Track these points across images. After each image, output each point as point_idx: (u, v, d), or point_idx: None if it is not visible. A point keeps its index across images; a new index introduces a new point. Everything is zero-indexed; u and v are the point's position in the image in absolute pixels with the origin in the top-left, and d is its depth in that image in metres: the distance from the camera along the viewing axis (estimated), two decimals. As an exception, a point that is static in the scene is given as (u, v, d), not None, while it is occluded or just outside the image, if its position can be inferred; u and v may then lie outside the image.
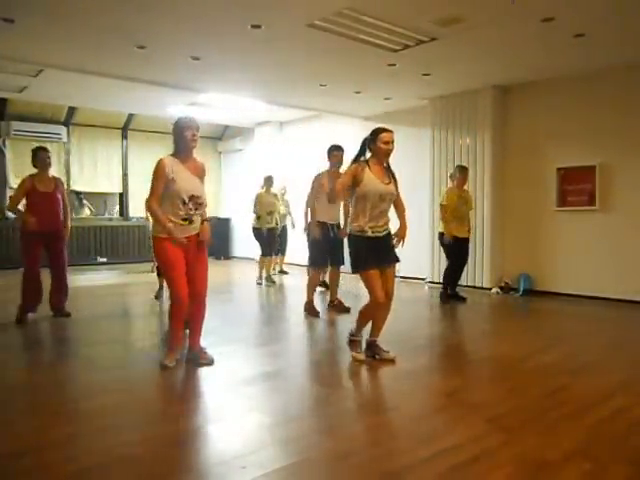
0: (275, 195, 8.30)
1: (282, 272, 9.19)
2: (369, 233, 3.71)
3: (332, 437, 2.63)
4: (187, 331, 3.88)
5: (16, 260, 8.52)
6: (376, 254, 3.71)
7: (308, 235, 5.65)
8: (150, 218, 4.22)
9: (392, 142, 3.77)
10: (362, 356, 3.87)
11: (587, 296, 6.58)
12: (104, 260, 10.93)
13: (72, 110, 10.47)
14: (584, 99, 6.64)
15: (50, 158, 5.39)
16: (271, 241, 8.21)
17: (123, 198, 11.52)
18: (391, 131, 3.80)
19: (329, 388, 3.41)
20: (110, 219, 11.42)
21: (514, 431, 2.64)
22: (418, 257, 7.88)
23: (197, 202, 3.58)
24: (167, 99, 8.47)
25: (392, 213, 3.91)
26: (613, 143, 6.41)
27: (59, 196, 5.34)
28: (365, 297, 3.83)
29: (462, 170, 6.66)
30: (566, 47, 5.63)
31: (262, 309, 6.68)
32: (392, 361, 3.85)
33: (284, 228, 8.79)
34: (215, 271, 9.94)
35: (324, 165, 5.68)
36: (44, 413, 2.94)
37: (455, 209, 6.43)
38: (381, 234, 3.77)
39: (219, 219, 12.12)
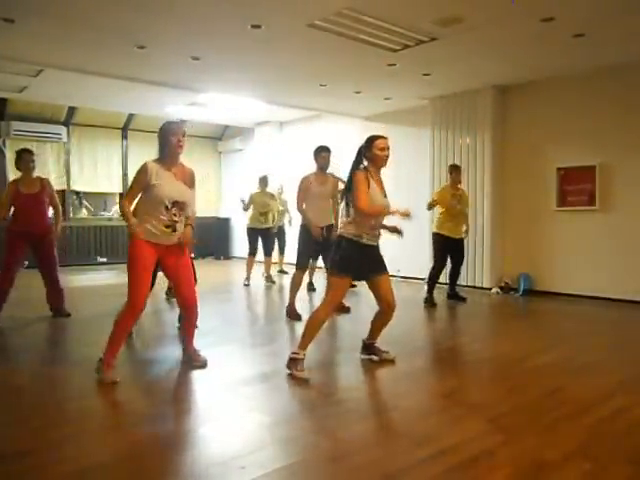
0: (272, 195, 8.32)
1: (282, 272, 9.19)
2: (364, 240, 3.57)
3: (331, 437, 2.63)
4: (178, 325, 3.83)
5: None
6: (366, 262, 3.59)
7: (299, 236, 5.60)
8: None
9: (388, 148, 3.64)
10: (305, 374, 3.50)
11: (587, 296, 6.58)
12: (104, 260, 10.93)
13: (72, 110, 10.46)
14: (584, 99, 6.65)
15: (34, 161, 5.30)
16: (266, 241, 8.23)
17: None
18: (386, 137, 3.67)
19: (328, 388, 3.41)
20: (110, 219, 11.42)
21: (514, 431, 2.63)
22: (418, 257, 7.87)
23: (181, 208, 3.47)
24: (167, 99, 8.47)
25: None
26: (613, 143, 6.41)
27: (45, 198, 5.24)
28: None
29: (455, 169, 6.55)
30: (566, 47, 5.63)
31: (261, 309, 6.67)
32: (392, 361, 3.85)
33: (281, 228, 8.78)
34: (214, 271, 10.05)
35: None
36: (42, 414, 2.93)
37: (449, 207, 6.35)
38: (375, 243, 3.67)
39: (219, 219, 12.15)
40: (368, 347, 3.95)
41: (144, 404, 3.11)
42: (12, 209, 5.17)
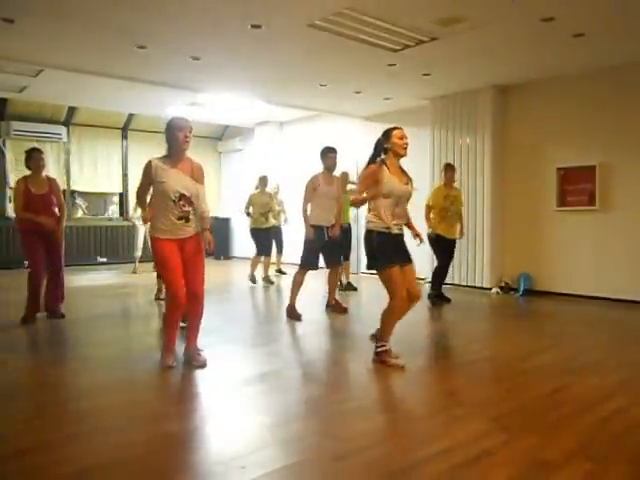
0: (270, 195, 8.34)
1: (280, 272, 9.18)
2: (394, 230, 3.71)
3: (332, 437, 2.63)
4: (183, 324, 3.89)
5: (17, 260, 8.61)
6: (399, 252, 3.74)
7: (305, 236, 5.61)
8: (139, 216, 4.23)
9: (406, 137, 3.80)
10: (402, 361, 3.69)
11: (587, 296, 6.58)
12: (104, 260, 10.94)
13: (72, 110, 10.47)
14: (584, 99, 6.65)
15: (44, 160, 5.36)
16: (267, 241, 8.23)
17: (123, 198, 11.53)
18: (402, 128, 3.84)
19: (329, 388, 3.41)
20: (110, 219, 11.43)
21: (514, 431, 2.63)
22: (418, 257, 7.83)
23: (188, 201, 3.58)
24: (167, 99, 8.47)
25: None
26: (613, 143, 6.42)
27: (53, 197, 5.28)
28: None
29: (449, 168, 6.50)
30: (566, 47, 5.63)
31: (262, 309, 6.67)
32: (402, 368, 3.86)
33: (278, 228, 8.78)
34: (215, 271, 10.04)
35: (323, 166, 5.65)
36: (44, 414, 2.93)
37: (442, 209, 6.28)
38: (401, 232, 3.81)
39: (219, 219, 12.12)
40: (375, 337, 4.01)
41: (144, 404, 3.10)
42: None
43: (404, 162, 3.88)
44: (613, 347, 4.44)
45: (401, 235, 3.80)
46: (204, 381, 3.53)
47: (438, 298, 6.45)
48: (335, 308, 5.79)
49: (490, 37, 5.32)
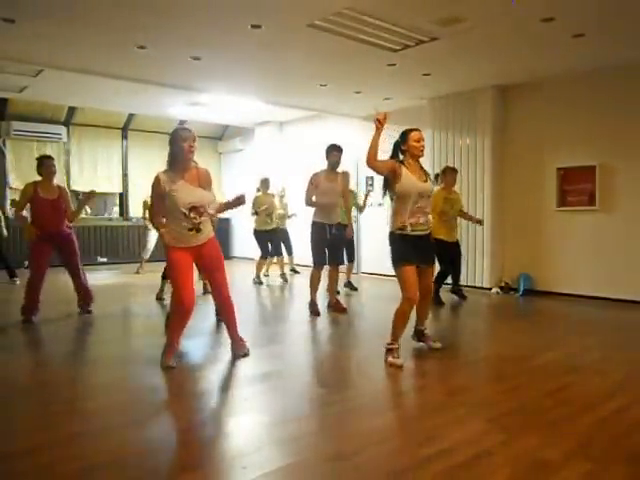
0: (273, 196, 8.37)
1: (293, 271, 9.22)
2: (409, 231, 3.74)
3: (332, 437, 2.63)
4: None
5: (19, 260, 8.62)
6: (415, 252, 3.76)
7: (310, 235, 5.67)
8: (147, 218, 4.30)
9: (423, 140, 3.86)
10: (400, 361, 3.73)
11: (587, 296, 6.58)
12: (104, 260, 10.94)
13: (72, 110, 10.47)
14: (584, 99, 6.64)
15: (55, 167, 5.55)
16: (268, 243, 8.23)
17: (123, 198, 11.53)
18: (419, 130, 3.88)
19: (329, 388, 3.41)
20: (110, 219, 11.43)
21: (514, 431, 2.64)
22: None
23: (199, 212, 3.62)
24: (167, 99, 8.47)
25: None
26: (613, 143, 6.41)
27: (62, 205, 5.43)
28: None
29: (451, 172, 6.42)
30: (566, 47, 5.63)
31: (263, 309, 6.67)
32: (438, 350, 4.10)
33: (284, 230, 8.79)
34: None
35: (324, 165, 5.67)
36: (49, 412, 2.94)
37: (442, 213, 6.17)
38: (422, 232, 3.82)
39: (219, 219, 12.05)
40: (418, 333, 4.15)
41: (145, 404, 3.11)
42: (31, 213, 5.39)
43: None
44: (613, 347, 4.44)
45: (419, 236, 3.79)
46: (205, 381, 3.54)
47: (456, 294, 6.60)
48: (335, 308, 5.80)
49: (490, 37, 5.32)
